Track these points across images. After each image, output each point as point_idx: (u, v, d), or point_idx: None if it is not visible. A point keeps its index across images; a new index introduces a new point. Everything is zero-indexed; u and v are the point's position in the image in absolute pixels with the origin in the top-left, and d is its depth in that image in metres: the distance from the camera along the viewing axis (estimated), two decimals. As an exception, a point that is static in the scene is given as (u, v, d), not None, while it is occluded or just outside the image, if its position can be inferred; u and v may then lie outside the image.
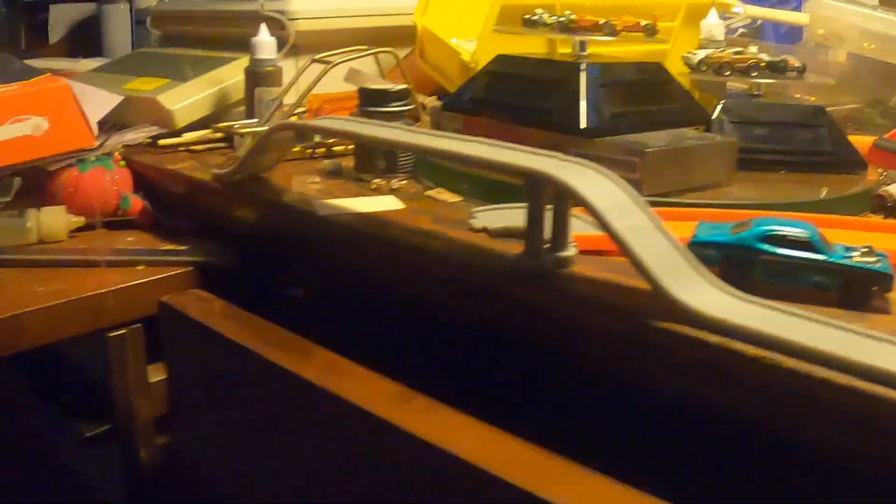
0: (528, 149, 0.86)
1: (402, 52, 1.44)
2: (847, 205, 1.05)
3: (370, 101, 1.15)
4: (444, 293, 0.92)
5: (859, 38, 1.37)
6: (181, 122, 1.36)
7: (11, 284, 1.10)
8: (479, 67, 1.26)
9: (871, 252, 0.82)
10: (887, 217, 1.07)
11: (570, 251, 0.86)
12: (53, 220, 1.21)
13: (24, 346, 1.04)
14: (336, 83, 1.31)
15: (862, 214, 1.07)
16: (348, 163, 1.21)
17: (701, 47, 1.28)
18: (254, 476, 1.00)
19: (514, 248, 0.90)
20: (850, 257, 0.81)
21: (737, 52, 1.19)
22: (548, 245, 0.86)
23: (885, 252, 0.83)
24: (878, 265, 0.80)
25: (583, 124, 1.04)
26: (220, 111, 1.39)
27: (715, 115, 1.16)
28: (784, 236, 0.81)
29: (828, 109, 1.23)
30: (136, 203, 1.25)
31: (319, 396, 0.85)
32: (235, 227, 1.18)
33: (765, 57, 1.18)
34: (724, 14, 1.43)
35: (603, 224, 0.77)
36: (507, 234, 0.93)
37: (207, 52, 1.51)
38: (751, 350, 0.71)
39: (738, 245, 0.82)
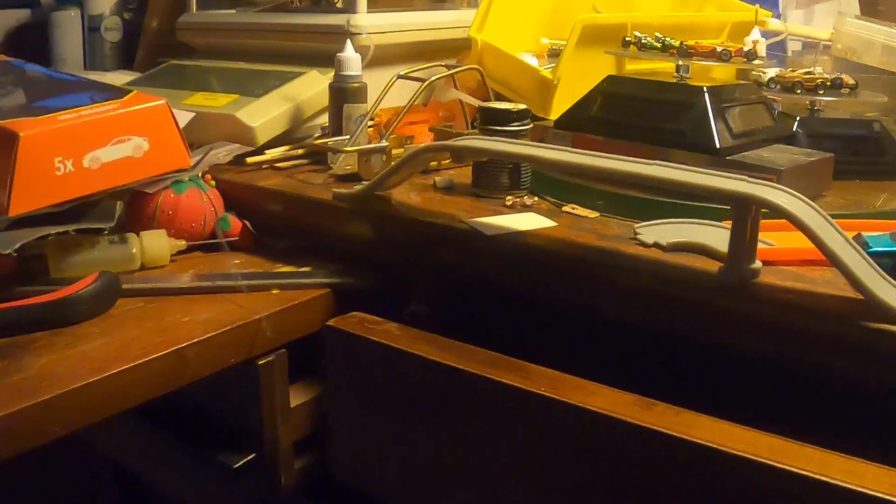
0: (723, 174, 1.00)
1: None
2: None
3: (492, 121, 1.26)
4: (637, 307, 1.05)
5: (880, 52, 1.57)
6: (262, 138, 1.41)
7: (147, 315, 1.12)
8: (561, 85, 1.39)
9: None
10: (955, 220, 1.27)
11: (758, 264, 1.01)
12: (157, 244, 1.25)
13: (187, 381, 1.06)
14: (397, 97, 1.40)
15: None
16: (458, 178, 1.32)
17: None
18: (445, 492, 1.09)
19: (694, 261, 1.04)
20: None
21: (807, 72, 1.36)
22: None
23: None
24: None
25: (718, 144, 1.19)
26: (294, 127, 1.46)
27: (794, 130, 1.34)
28: (943, 244, 0.99)
29: (854, 113, 1.44)
30: (236, 224, 1.31)
31: (557, 409, 0.95)
32: (361, 247, 1.25)
33: (827, 76, 1.36)
34: (762, 31, 1.61)
35: (816, 241, 0.92)
36: (680, 248, 1.06)
37: (266, 66, 1.56)
38: None
39: (909, 254, 0.99)
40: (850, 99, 1.39)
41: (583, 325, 1.11)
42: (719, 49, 1.28)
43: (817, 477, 0.83)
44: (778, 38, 1.75)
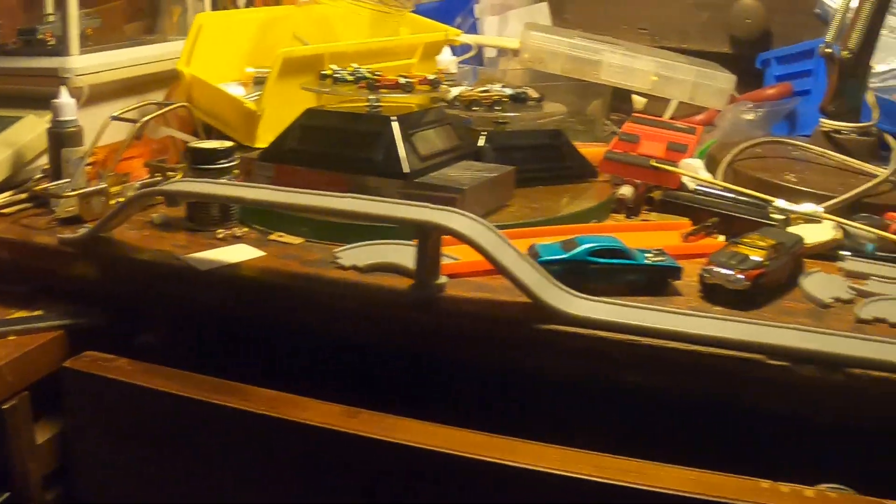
0: (407, 203, 1.15)
1: (160, 97, 1.66)
2: (603, 210, 1.45)
3: (201, 160, 1.38)
4: (343, 325, 1.20)
5: (563, 61, 1.76)
6: (-16, 187, 1.46)
7: None
8: (265, 115, 1.53)
9: (661, 253, 1.21)
10: (629, 216, 1.48)
11: (444, 279, 1.17)
12: None
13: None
14: (110, 132, 1.50)
15: (609, 216, 1.47)
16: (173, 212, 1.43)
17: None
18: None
19: (386, 280, 1.20)
20: (648, 258, 1.19)
21: (483, 91, 1.54)
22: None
23: (662, 248, 1.23)
24: (669, 262, 1.20)
25: (405, 169, 1.34)
26: (16, 171, 1.52)
27: (481, 145, 1.51)
28: (605, 249, 1.18)
29: (539, 123, 1.63)
30: (-42, 271, 1.36)
31: (277, 426, 1.09)
32: (91, 287, 1.34)
33: (507, 91, 1.54)
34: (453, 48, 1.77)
35: (491, 260, 1.09)
36: (375, 268, 1.22)
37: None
38: (616, 336, 1.08)
39: (575, 260, 1.17)
40: (535, 111, 1.58)
41: (303, 345, 1.25)
42: (403, 81, 1.44)
43: (506, 463, 1.00)
44: (470, 54, 1.93)
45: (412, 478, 1.06)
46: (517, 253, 1.12)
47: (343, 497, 1.10)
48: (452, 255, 1.23)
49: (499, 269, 1.10)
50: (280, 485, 1.13)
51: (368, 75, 1.46)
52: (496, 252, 1.10)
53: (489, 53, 2.11)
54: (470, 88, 1.56)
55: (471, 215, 1.13)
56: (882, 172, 1.56)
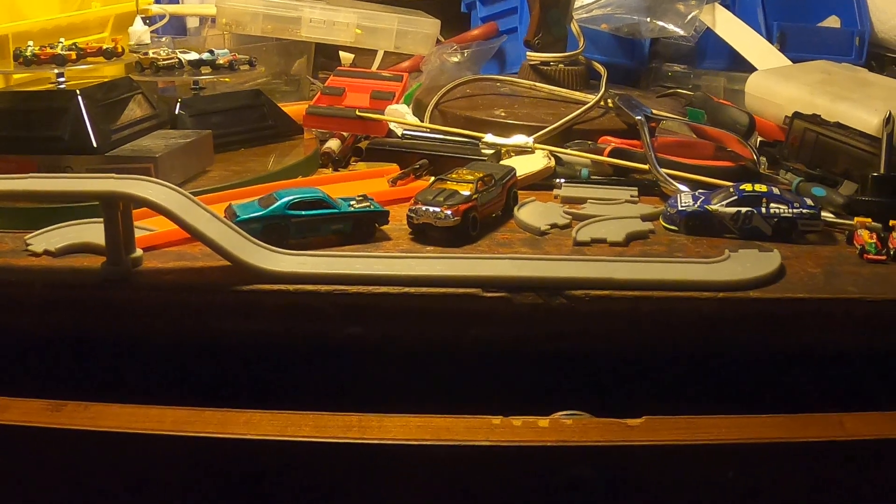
0: (86, 175, 1.09)
1: None
2: (309, 166, 1.40)
3: None
4: (38, 316, 1.11)
5: (262, 21, 1.71)
6: None
7: None
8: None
9: (365, 199, 1.17)
10: (336, 169, 1.44)
11: (139, 252, 1.10)
12: None
13: None
14: None
15: (317, 171, 1.42)
16: None
17: (132, 51, 1.54)
18: None
19: (81, 260, 1.13)
20: (352, 205, 1.15)
21: (144, 55, 1.48)
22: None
23: (370, 195, 1.19)
24: (374, 207, 1.16)
25: (94, 143, 1.27)
26: None
27: (177, 113, 1.44)
28: (304, 201, 1.14)
29: (247, 86, 1.58)
30: None
31: None
32: None
33: (192, 56, 1.48)
34: (146, 17, 1.70)
35: (180, 223, 1.03)
36: (70, 250, 1.14)
37: None
38: (324, 288, 1.04)
39: (274, 216, 1.12)
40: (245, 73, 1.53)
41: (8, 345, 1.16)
42: (61, 52, 1.36)
43: (218, 435, 0.94)
44: (161, 24, 1.86)
45: (123, 464, 0.99)
46: (211, 215, 1.07)
47: (57, 495, 1.02)
48: (148, 227, 1.17)
49: (191, 232, 1.04)
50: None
51: (61, 52, 1.37)
52: (187, 216, 1.04)
53: (192, 24, 2.03)
54: (144, 53, 1.49)
55: (156, 181, 1.07)
56: (591, 99, 1.56)
